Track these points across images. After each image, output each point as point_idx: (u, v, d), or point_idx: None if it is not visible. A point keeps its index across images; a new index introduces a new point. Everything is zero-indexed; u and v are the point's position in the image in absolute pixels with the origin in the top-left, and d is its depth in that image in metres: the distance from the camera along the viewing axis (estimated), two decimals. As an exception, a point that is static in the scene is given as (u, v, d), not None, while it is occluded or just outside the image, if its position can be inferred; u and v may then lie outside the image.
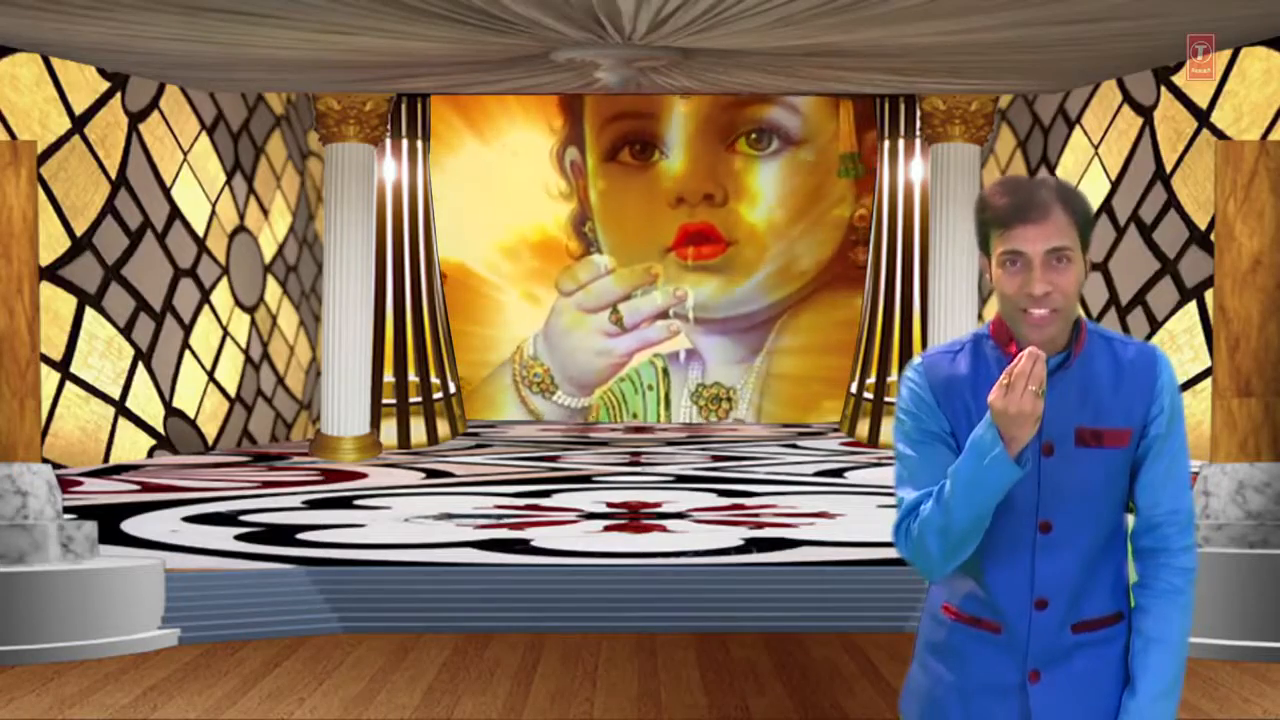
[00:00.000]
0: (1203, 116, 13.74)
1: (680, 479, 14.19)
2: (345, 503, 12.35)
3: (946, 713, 2.76)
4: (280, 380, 18.43)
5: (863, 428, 18.25)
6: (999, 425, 2.51)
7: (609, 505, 12.15)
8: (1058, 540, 2.67)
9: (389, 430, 17.22)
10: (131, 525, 10.69)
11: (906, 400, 2.74)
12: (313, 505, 12.11)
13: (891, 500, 2.87)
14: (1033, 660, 2.69)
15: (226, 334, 17.12)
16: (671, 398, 12.12)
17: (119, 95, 15.08)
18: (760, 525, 10.96)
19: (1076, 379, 2.69)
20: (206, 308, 16.70)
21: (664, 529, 10.84)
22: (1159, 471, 2.71)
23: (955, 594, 2.77)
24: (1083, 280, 2.64)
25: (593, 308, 12.60)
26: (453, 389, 18.66)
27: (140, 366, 15.47)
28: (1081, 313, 2.75)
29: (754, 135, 12.96)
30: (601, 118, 13.26)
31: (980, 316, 16.42)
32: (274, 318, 18.27)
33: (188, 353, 16.33)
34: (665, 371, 12.47)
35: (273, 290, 18.22)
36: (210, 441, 16.74)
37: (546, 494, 12.94)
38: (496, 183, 12.73)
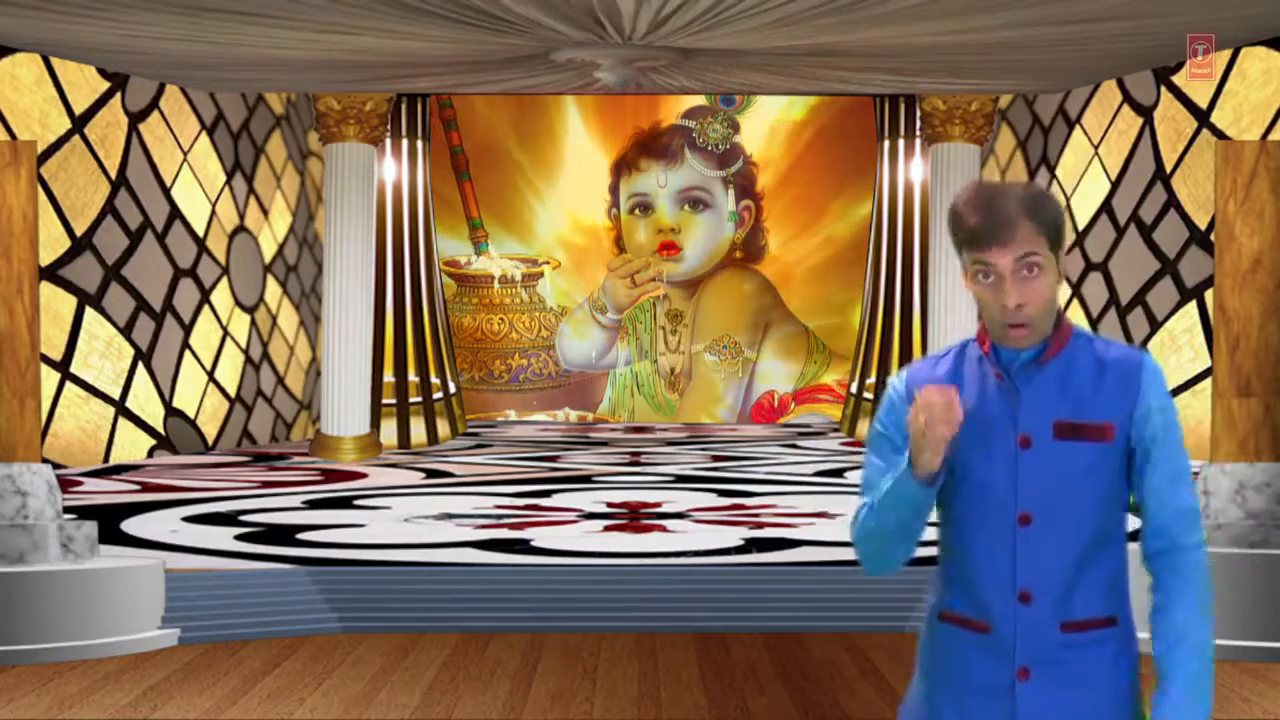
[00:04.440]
0: (1203, 116, 13.74)
1: (680, 479, 14.20)
2: (345, 503, 12.35)
3: (941, 716, 2.77)
4: (280, 380, 18.43)
5: (863, 428, 18.27)
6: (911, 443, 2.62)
7: (609, 505, 12.16)
8: (1038, 533, 2.68)
9: (389, 430, 17.22)
10: (131, 525, 10.69)
11: (882, 410, 2.85)
12: (313, 505, 12.12)
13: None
14: (1021, 658, 2.69)
15: (226, 334, 17.13)
16: (657, 316, 21.70)
17: (119, 95, 15.08)
18: (760, 525, 10.96)
19: (1056, 373, 2.71)
20: (206, 308, 16.70)
21: (664, 529, 10.84)
22: (1163, 475, 2.71)
23: (945, 596, 2.79)
24: (1056, 284, 2.68)
25: (623, 275, 21.77)
26: (453, 389, 18.68)
27: (140, 366, 15.47)
28: (1067, 316, 2.77)
29: (692, 202, 21.79)
30: (624, 197, 21.85)
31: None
32: (274, 318, 18.27)
33: (188, 353, 16.33)
34: (654, 302, 21.71)
35: (273, 290, 18.22)
36: (210, 441, 16.74)
37: (546, 494, 12.94)
38: (582, 221, 22.01)
